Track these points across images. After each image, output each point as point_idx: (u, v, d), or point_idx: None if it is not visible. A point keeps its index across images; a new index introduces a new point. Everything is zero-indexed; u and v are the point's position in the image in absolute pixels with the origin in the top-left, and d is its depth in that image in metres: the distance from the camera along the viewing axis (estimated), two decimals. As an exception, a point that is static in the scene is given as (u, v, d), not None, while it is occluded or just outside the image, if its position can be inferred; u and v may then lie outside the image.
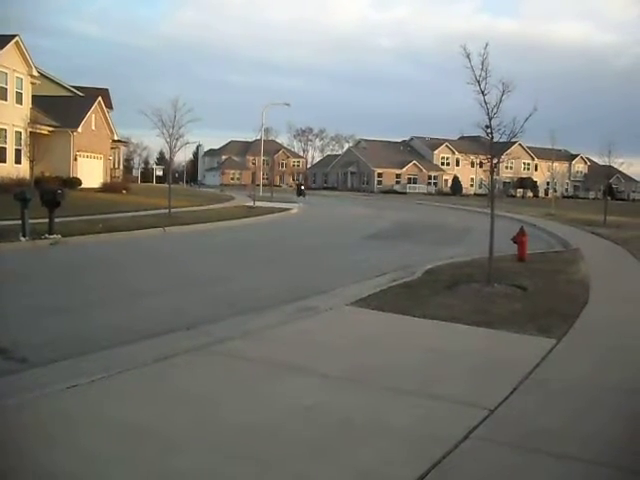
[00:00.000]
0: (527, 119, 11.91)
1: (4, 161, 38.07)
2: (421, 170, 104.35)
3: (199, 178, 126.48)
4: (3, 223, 20.13)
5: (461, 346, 7.83)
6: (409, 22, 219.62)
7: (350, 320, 9.26)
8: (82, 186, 40.76)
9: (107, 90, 57.64)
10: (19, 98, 39.85)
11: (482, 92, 11.52)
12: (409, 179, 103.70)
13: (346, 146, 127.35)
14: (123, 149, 66.28)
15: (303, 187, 68.71)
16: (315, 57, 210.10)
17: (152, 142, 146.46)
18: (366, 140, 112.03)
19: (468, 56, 11.40)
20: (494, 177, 12.74)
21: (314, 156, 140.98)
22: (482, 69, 11.40)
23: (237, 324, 8.60)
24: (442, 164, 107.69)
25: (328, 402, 5.61)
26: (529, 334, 8.37)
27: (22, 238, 17.47)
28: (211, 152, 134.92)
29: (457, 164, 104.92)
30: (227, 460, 4.41)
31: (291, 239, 23.32)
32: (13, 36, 39.24)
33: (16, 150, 38.92)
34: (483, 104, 11.63)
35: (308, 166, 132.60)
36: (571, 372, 6.87)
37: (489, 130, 11.90)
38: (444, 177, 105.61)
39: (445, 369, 6.82)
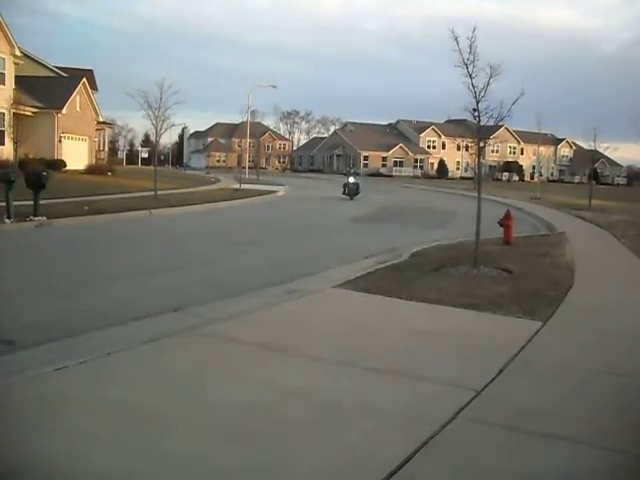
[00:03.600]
0: (514, 102, 11.94)
1: (-11, 143, 37.71)
2: (407, 153, 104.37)
3: (185, 160, 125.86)
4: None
5: (448, 328, 7.88)
6: (394, 4, 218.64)
7: (337, 302, 9.28)
8: (67, 168, 40.46)
9: (91, 71, 57.14)
10: (1, 79, 39.36)
11: (470, 75, 11.53)
12: (395, 162, 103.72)
13: (332, 129, 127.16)
14: (108, 131, 65.78)
15: (353, 179, 37.26)
16: (300, 40, 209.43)
17: (137, 124, 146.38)
18: (352, 123, 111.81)
19: (456, 39, 11.39)
20: (481, 160, 12.77)
21: (300, 139, 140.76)
22: (470, 52, 11.40)
23: (224, 306, 8.59)
24: (428, 147, 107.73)
25: (315, 384, 5.63)
26: (515, 316, 8.43)
27: (7, 220, 17.35)
28: (197, 134, 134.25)
29: (443, 147, 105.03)
30: (215, 440, 4.43)
31: (277, 222, 23.28)
32: (-6, 16, 38.72)
33: (-1, 132, 38.55)
34: (471, 87, 11.64)
35: (294, 149, 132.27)
36: (557, 354, 6.94)
37: (476, 113, 11.92)
38: (430, 160, 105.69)
39: (432, 351, 6.87)
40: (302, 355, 6.45)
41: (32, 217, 17.96)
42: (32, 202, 18.26)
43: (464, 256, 12.84)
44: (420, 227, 22.58)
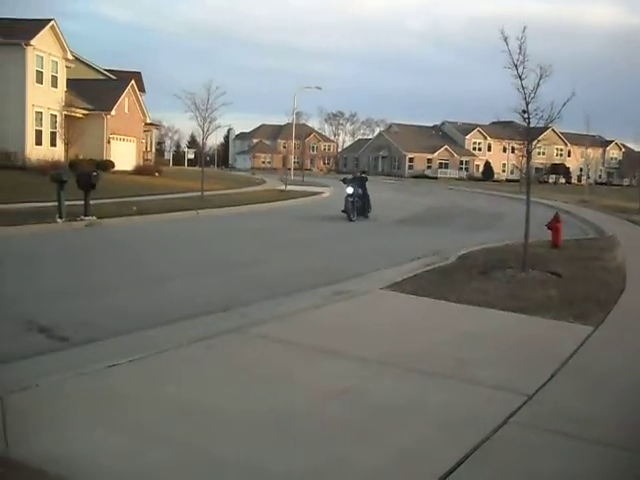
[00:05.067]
0: (565, 104, 11.75)
1: (40, 144, 38.51)
2: (452, 155, 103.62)
3: (230, 161, 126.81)
4: (39, 205, 20.42)
5: (497, 331, 7.80)
6: (438, 4, 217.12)
7: (385, 304, 9.27)
8: (115, 169, 41.11)
9: (140, 73, 57.96)
10: (54, 81, 40.22)
11: (519, 77, 11.39)
12: (440, 164, 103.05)
13: (377, 130, 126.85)
14: (155, 132, 66.64)
15: (352, 189, 23.78)
16: (345, 41, 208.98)
17: (183, 125, 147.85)
18: (397, 124, 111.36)
19: (506, 40, 11.25)
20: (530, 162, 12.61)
21: (345, 140, 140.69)
22: (520, 53, 11.25)
23: (272, 307, 8.64)
24: (474, 149, 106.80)
25: (365, 386, 5.62)
26: (565, 321, 8.29)
27: (58, 220, 17.70)
28: (242, 135, 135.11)
29: (489, 149, 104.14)
30: (265, 441, 4.44)
31: (322, 223, 23.30)
32: (48, 20, 39.58)
33: (51, 133, 39.37)
34: (520, 89, 11.50)
35: (339, 150, 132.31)
36: (609, 360, 6.82)
37: (526, 115, 11.77)
38: (475, 162, 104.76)
39: (482, 354, 6.80)
40: (351, 356, 6.44)
41: (82, 217, 18.29)
42: (82, 202, 18.60)
43: (512, 259, 12.70)
44: (466, 229, 22.40)
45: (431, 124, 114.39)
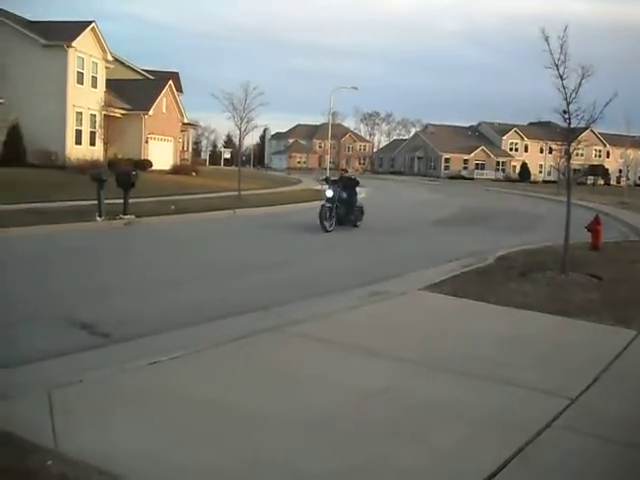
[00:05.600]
0: (607, 104, 11.58)
1: (80, 143, 39.06)
2: (489, 156, 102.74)
3: (266, 161, 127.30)
4: (79, 203, 20.71)
5: (537, 334, 7.73)
6: (474, 2, 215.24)
7: (423, 305, 9.24)
8: (153, 168, 41.51)
9: (177, 74, 58.40)
10: (94, 82, 40.78)
11: (560, 76, 11.27)
12: (477, 165, 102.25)
13: (413, 130, 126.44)
14: (192, 132, 67.14)
15: (332, 192, 19.29)
16: (381, 41, 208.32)
17: (220, 125, 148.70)
18: (433, 125, 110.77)
19: (547, 39, 11.14)
20: (565, 164, 12.47)
21: (380, 140, 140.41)
22: (561, 52, 11.14)
23: (309, 306, 8.67)
24: (510, 150, 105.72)
25: (403, 386, 5.61)
26: (607, 324, 8.18)
27: (98, 218, 17.94)
28: (278, 135, 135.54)
29: (526, 150, 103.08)
30: (304, 440, 4.46)
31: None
32: (89, 22, 40.19)
33: (91, 132, 39.90)
34: (561, 89, 11.38)
35: (374, 150, 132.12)
36: (653, 364, 6.72)
37: (567, 116, 11.64)
38: (512, 163, 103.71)
39: (521, 356, 6.74)
40: (389, 356, 6.43)
41: (122, 215, 18.52)
42: (121, 201, 18.83)
43: (551, 261, 12.57)
44: (505, 231, 22.18)
45: (467, 124, 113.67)
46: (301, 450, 4.31)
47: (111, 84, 42.69)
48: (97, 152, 38.46)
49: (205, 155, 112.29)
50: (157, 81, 49.91)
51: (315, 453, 4.27)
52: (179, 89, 54.98)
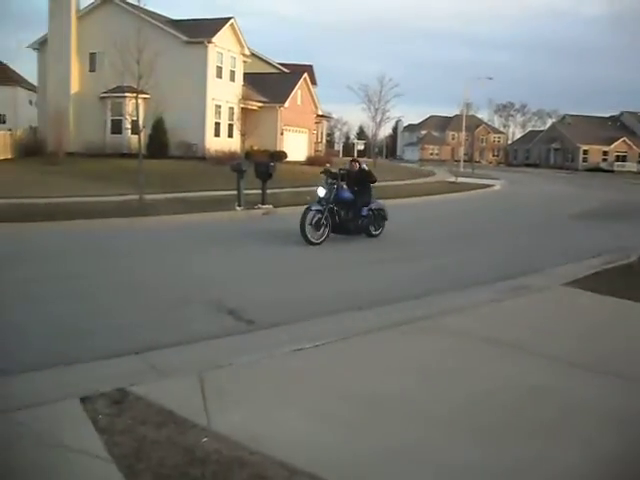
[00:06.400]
0: None
1: (218, 135, 40.35)
2: (631, 147, 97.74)
3: (398, 153, 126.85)
4: (218, 193, 21.40)
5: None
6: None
7: (566, 301, 8.87)
8: (287, 159, 42.24)
9: (311, 66, 59.13)
10: (232, 76, 41.97)
11: None
12: (617, 157, 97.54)
13: (549, 122, 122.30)
14: (325, 124, 67.78)
15: (324, 192, 14.25)
16: (515, 29, 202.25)
17: (352, 117, 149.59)
18: (571, 115, 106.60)
19: None
20: None
21: (515, 132, 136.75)
22: None
23: (451, 298, 8.56)
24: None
25: (554, 384, 5.40)
26: None
27: (237, 207, 18.47)
28: (410, 127, 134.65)
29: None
30: (447, 433, 4.40)
31: (494, 216, 22.81)
32: (228, 19, 41.36)
33: (229, 125, 41.12)
34: None
35: (509, 142, 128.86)
36: None
37: None
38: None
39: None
40: (538, 353, 6.22)
41: (260, 205, 18.97)
42: (259, 191, 19.28)
43: None
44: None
45: (607, 115, 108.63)
46: (440, 442, 4.26)
47: (248, 78, 43.81)
48: (235, 144, 39.61)
49: (338, 147, 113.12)
50: (292, 74, 50.72)
51: (454, 446, 4.20)
52: (313, 82, 55.64)
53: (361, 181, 14.99)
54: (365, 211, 14.72)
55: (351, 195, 14.59)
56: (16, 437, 4.03)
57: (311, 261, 12.07)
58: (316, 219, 13.71)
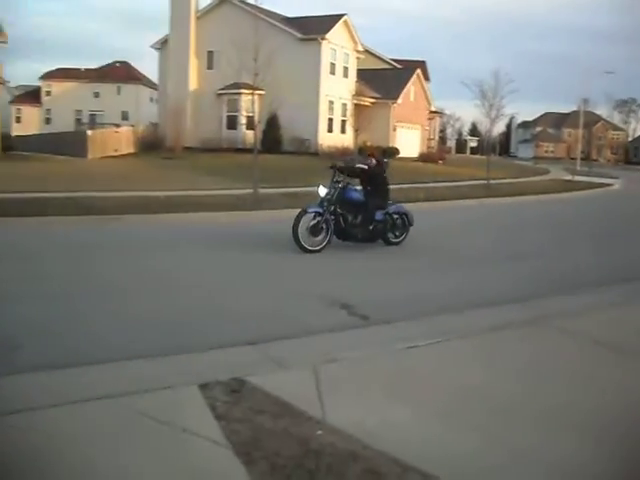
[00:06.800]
0: None
1: (331, 131, 40.71)
2: None
3: (511, 150, 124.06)
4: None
5: None
6: None
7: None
8: (399, 155, 42.09)
9: (424, 62, 58.75)
10: (345, 72, 42.25)
11: None
12: None
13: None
14: (438, 120, 67.13)
15: (325, 191, 12.01)
16: (636, 22, 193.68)
17: (464, 113, 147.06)
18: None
19: None
20: None
21: (636, 129, 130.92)
22: None
23: (571, 300, 8.24)
24: None
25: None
26: None
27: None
28: (524, 124, 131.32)
29: None
30: (565, 439, 4.22)
31: (612, 217, 21.91)
32: (341, 15, 41.63)
33: (341, 121, 41.38)
34: None
35: (629, 139, 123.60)
36: None
37: None
38: None
39: None
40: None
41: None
42: (371, 187, 19.25)
43: None
44: None
45: None
46: (557, 444, 4.10)
47: (361, 74, 43.93)
48: (347, 139, 39.78)
49: (451, 143, 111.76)
50: (405, 70, 50.55)
51: (582, 454, 4.03)
52: (426, 77, 55.24)
53: (376, 179, 12.78)
54: (380, 215, 12.52)
55: (360, 196, 12.47)
56: (138, 417, 4.19)
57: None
58: (313, 223, 11.71)
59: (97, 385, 4.74)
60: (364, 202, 12.35)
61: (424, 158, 45.18)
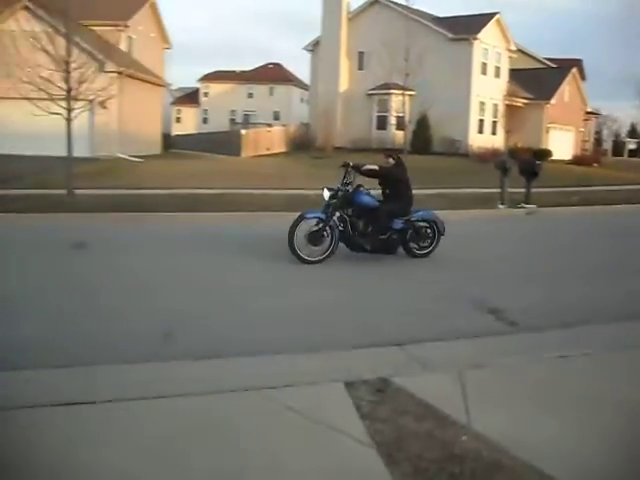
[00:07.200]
0: None
1: (481, 132, 40.02)
2: None
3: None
4: (481, 191, 21.17)
5: None
6: None
7: None
8: (552, 158, 40.70)
9: (580, 61, 56.34)
10: (497, 72, 41.36)
11: None
12: None
13: None
14: (594, 121, 64.34)
15: (328, 193, 10.61)
16: None
17: (622, 114, 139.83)
18: None
19: None
20: None
21: None
22: None
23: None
24: None
25: None
26: None
27: (500, 206, 18.17)
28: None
29: None
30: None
31: None
32: (494, 14, 40.89)
33: (492, 122, 40.58)
34: None
35: None
36: None
37: None
38: None
39: None
40: None
41: (523, 204, 18.47)
42: (523, 190, 18.79)
43: None
44: None
45: None
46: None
47: (513, 73, 42.84)
48: (498, 141, 38.95)
49: (607, 145, 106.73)
50: (559, 69, 48.79)
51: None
52: (582, 77, 53.02)
53: (395, 182, 11.20)
54: (399, 223, 10.91)
55: (372, 200, 10.91)
56: (283, 410, 4.32)
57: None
58: (314, 230, 10.37)
59: (253, 377, 4.94)
60: (377, 207, 10.82)
61: (578, 160, 43.41)
